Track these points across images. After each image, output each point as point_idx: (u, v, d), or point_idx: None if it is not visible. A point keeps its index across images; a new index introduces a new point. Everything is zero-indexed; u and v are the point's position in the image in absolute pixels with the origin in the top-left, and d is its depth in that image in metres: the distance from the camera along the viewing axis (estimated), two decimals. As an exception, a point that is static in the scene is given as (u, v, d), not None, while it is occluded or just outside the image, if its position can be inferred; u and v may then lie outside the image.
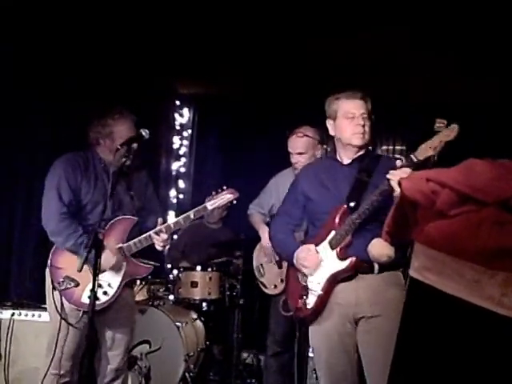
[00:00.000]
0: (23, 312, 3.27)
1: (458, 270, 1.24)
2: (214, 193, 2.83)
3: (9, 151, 3.66)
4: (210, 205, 2.79)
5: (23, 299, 3.39)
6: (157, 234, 2.77)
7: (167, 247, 4.97)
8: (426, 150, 2.06)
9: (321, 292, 2.35)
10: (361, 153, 2.45)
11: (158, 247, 2.82)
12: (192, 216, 2.78)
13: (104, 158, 2.88)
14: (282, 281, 3.50)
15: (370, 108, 2.42)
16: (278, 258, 3.53)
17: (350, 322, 2.35)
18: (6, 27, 3.46)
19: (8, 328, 3.23)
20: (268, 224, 3.65)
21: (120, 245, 2.78)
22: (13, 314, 3.26)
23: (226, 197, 2.80)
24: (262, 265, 3.66)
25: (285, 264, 3.50)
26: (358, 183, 2.37)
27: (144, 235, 2.78)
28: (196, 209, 2.80)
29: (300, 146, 3.48)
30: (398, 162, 2.12)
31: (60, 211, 2.73)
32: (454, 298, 1.26)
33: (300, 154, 3.47)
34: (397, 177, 2.04)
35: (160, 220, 2.80)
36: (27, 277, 3.66)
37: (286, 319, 3.50)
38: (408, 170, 2.05)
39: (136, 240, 2.79)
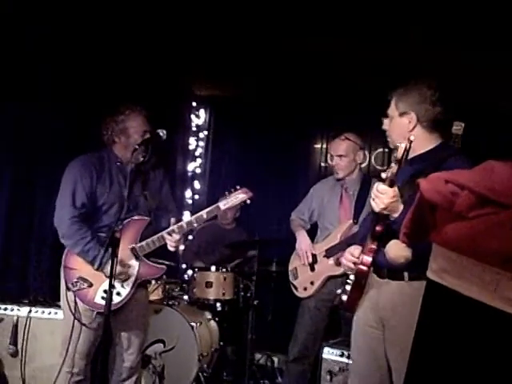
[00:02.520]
0: (40, 309, 3.31)
1: (476, 272, 1.23)
2: (227, 193, 2.82)
3: (28, 152, 3.71)
4: (222, 205, 2.78)
5: (40, 297, 3.42)
6: (169, 234, 2.77)
7: (182, 247, 5.04)
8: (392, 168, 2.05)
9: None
10: (416, 153, 2.26)
11: (171, 248, 2.81)
12: (205, 216, 2.77)
13: (121, 156, 2.89)
14: (312, 283, 3.53)
15: (395, 104, 2.30)
16: (310, 261, 3.55)
17: (377, 326, 2.29)
18: (25, 25, 3.50)
19: (25, 325, 3.27)
20: (308, 231, 3.70)
21: (133, 245, 2.79)
22: (30, 312, 3.30)
23: (239, 197, 2.78)
24: (296, 268, 3.68)
25: (318, 267, 3.53)
26: None
27: (156, 235, 2.78)
28: (209, 209, 2.79)
29: (341, 148, 3.55)
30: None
31: (71, 215, 2.75)
32: (473, 300, 1.24)
33: (340, 156, 3.54)
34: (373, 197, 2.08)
35: (173, 220, 2.79)
36: (44, 275, 3.70)
37: (309, 325, 3.53)
38: (381, 188, 2.07)
39: (149, 240, 2.79)
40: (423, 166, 2.17)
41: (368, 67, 4.27)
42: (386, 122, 2.35)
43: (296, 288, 3.65)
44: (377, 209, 2.09)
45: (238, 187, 2.82)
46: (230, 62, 4.56)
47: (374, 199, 2.10)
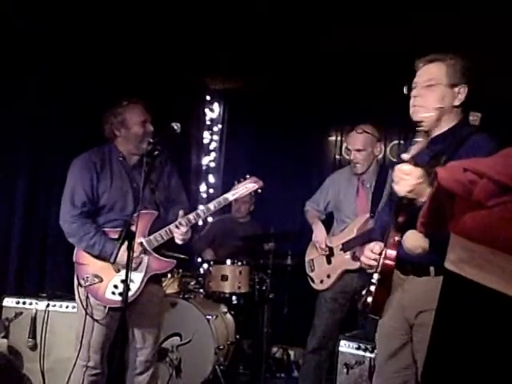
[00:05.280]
0: (58, 303, 3.34)
1: (496, 262, 1.21)
2: (236, 182, 2.79)
3: (43, 149, 3.74)
4: (231, 195, 2.75)
5: (58, 291, 3.45)
6: (177, 227, 2.74)
7: (195, 239, 5.03)
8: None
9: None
10: (439, 132, 2.07)
11: (178, 240, 2.78)
12: (212, 208, 2.75)
13: (123, 150, 2.88)
14: (328, 276, 3.52)
15: (445, 72, 2.03)
16: (327, 253, 3.53)
17: (403, 327, 2.18)
18: (32, 24, 3.52)
19: (43, 319, 3.31)
20: (323, 221, 3.67)
21: (141, 239, 2.76)
22: (48, 305, 3.33)
23: (248, 186, 2.74)
24: (312, 260, 3.66)
25: (334, 260, 3.51)
26: None
27: (164, 229, 2.77)
28: (217, 200, 2.77)
29: (359, 142, 3.47)
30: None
31: (72, 214, 2.76)
32: (492, 290, 1.23)
33: (358, 150, 3.46)
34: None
35: (181, 212, 2.76)
36: (62, 269, 3.73)
37: (327, 316, 3.52)
38: (406, 169, 1.86)
39: (157, 234, 2.77)
40: (443, 146, 1.99)
41: (382, 58, 4.22)
42: (419, 89, 2.08)
43: (313, 280, 3.65)
44: (401, 193, 1.88)
45: (247, 176, 2.78)
46: (243, 55, 4.54)
47: (397, 182, 1.88)
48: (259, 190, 2.76)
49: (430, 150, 2.05)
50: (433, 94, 2.04)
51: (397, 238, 2.03)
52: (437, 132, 2.07)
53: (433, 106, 2.04)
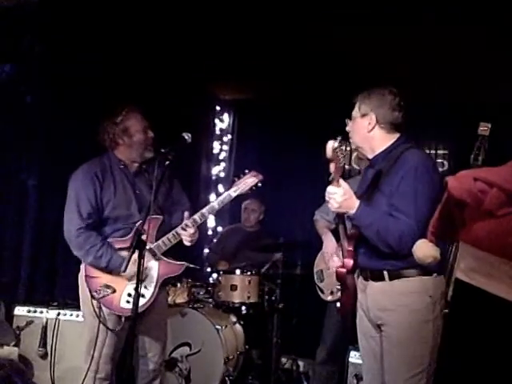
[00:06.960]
0: (68, 312, 3.36)
1: (507, 271, 1.21)
2: (235, 178, 2.80)
3: (55, 157, 3.77)
4: (233, 191, 2.76)
5: (68, 300, 3.47)
6: (183, 229, 2.75)
7: (207, 252, 5.04)
8: None
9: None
10: (375, 153, 2.43)
11: (186, 242, 2.78)
12: (216, 206, 2.77)
13: (124, 158, 2.88)
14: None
15: (356, 108, 2.41)
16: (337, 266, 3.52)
17: (374, 327, 2.33)
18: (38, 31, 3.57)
19: (54, 327, 3.33)
20: (333, 231, 3.66)
21: (150, 245, 2.74)
22: (58, 314, 3.36)
23: (248, 181, 2.76)
24: (322, 270, 3.65)
25: None
26: None
27: (171, 232, 2.77)
28: (219, 198, 2.80)
29: None
30: None
31: (78, 226, 2.74)
32: (503, 300, 1.22)
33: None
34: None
35: (186, 214, 2.77)
36: (72, 278, 3.75)
37: (337, 327, 3.51)
38: (330, 189, 2.25)
39: (164, 238, 2.78)
40: (382, 165, 2.32)
41: (392, 63, 4.21)
42: (349, 123, 2.45)
43: (322, 291, 3.63)
44: (333, 209, 2.25)
45: (246, 171, 2.79)
46: (253, 65, 4.57)
47: (328, 201, 2.24)
48: (259, 184, 2.79)
49: (373, 169, 2.38)
50: (353, 127, 2.44)
51: (350, 248, 2.30)
52: (373, 154, 2.41)
53: (354, 136, 2.46)
